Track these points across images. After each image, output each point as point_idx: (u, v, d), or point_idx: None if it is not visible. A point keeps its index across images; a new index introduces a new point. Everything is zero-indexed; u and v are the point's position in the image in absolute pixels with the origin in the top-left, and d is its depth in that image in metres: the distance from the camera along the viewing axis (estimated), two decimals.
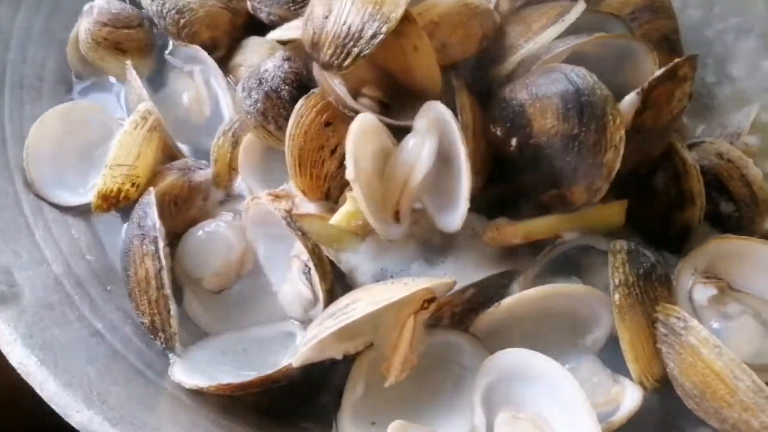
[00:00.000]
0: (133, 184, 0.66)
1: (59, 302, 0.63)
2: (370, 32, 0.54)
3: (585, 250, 0.61)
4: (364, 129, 0.56)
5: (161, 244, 0.59)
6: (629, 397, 0.56)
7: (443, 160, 0.58)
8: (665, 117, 0.57)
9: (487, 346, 0.59)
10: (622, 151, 0.53)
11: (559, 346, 0.59)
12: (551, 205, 0.59)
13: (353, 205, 0.61)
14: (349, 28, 0.55)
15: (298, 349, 0.55)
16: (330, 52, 0.56)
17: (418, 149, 0.58)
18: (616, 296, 0.55)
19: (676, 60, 0.56)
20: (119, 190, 0.65)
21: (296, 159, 0.61)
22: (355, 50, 0.55)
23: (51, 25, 0.79)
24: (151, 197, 0.62)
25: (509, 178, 0.61)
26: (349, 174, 0.54)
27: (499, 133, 0.59)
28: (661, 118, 0.57)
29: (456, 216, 0.57)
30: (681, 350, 0.53)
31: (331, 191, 0.64)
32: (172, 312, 0.58)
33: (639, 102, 0.54)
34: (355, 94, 0.60)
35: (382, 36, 0.54)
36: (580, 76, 0.54)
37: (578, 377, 0.55)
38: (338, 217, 0.62)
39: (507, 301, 0.58)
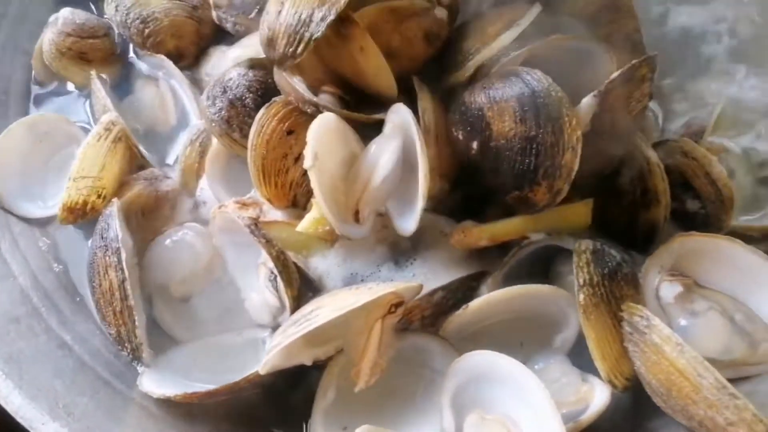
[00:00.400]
0: (99, 195, 0.66)
1: (26, 315, 0.63)
2: (320, 15, 0.55)
3: (553, 250, 0.61)
4: (327, 124, 0.57)
5: (123, 255, 0.58)
6: (598, 396, 0.56)
7: (409, 165, 0.59)
8: (624, 118, 0.58)
9: (457, 347, 0.59)
10: (579, 151, 0.54)
11: (528, 346, 0.60)
12: (516, 206, 0.60)
13: (320, 210, 0.61)
14: (300, 16, 0.56)
15: (265, 356, 0.55)
16: (284, 42, 0.57)
17: (381, 152, 0.58)
18: (581, 296, 0.55)
19: (633, 62, 0.57)
20: (85, 202, 0.65)
21: (259, 169, 0.61)
22: (307, 35, 0.56)
23: (16, 37, 0.78)
24: (113, 209, 0.62)
25: (474, 181, 0.61)
26: (306, 162, 0.55)
27: (460, 137, 0.59)
28: (620, 119, 0.58)
29: (412, 219, 0.57)
30: (646, 348, 0.54)
31: (297, 199, 0.64)
32: (137, 322, 0.58)
33: (596, 104, 0.55)
34: (315, 93, 0.60)
35: (331, 17, 0.54)
36: (536, 78, 0.55)
37: (547, 377, 0.56)
38: (305, 224, 0.62)
39: (475, 303, 0.58)
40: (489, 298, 0.58)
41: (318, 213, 0.61)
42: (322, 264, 0.64)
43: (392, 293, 0.55)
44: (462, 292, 0.60)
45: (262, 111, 0.61)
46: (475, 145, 0.57)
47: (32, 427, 0.55)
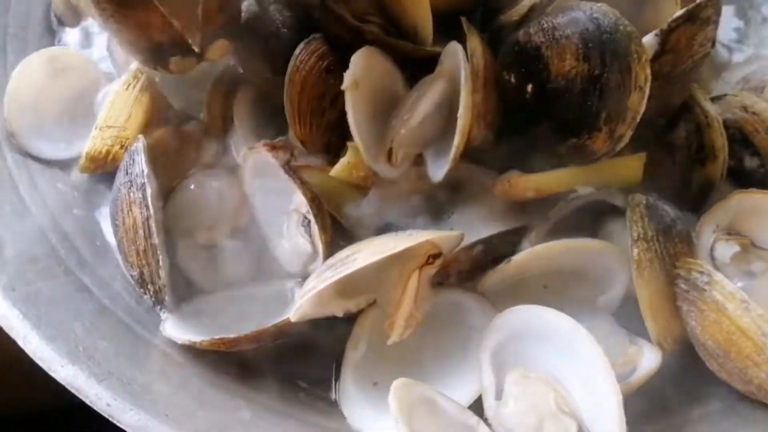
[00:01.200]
0: (122, 146, 0.63)
1: (44, 256, 0.60)
2: None
3: (601, 207, 0.58)
4: (372, 55, 0.55)
5: (149, 191, 0.56)
6: (647, 358, 0.53)
7: (454, 111, 0.55)
8: (685, 62, 0.54)
9: (495, 304, 0.57)
10: (647, 92, 0.50)
11: (572, 305, 0.56)
12: (570, 156, 0.56)
13: (355, 155, 0.59)
14: None
15: (297, 302, 0.52)
16: None
17: (423, 93, 0.55)
18: (635, 251, 0.52)
19: (699, 1, 0.53)
20: (108, 152, 0.63)
21: (295, 107, 0.58)
22: None
23: None
24: (139, 144, 0.59)
25: (524, 129, 0.58)
26: (345, 83, 0.52)
27: (513, 80, 0.56)
28: (680, 63, 0.54)
29: (444, 165, 0.55)
30: (704, 307, 0.50)
31: (331, 143, 0.61)
32: (160, 262, 0.55)
33: (657, 44, 0.52)
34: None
35: None
36: (601, 12, 0.51)
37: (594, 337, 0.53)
38: (339, 168, 0.59)
39: (518, 257, 0.55)
40: (534, 252, 0.55)
41: (353, 157, 0.58)
42: (355, 212, 0.62)
43: (430, 242, 0.53)
44: (503, 246, 0.58)
45: (300, 46, 0.58)
46: (529, 87, 0.54)
47: (50, 369, 0.52)
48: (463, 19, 0.58)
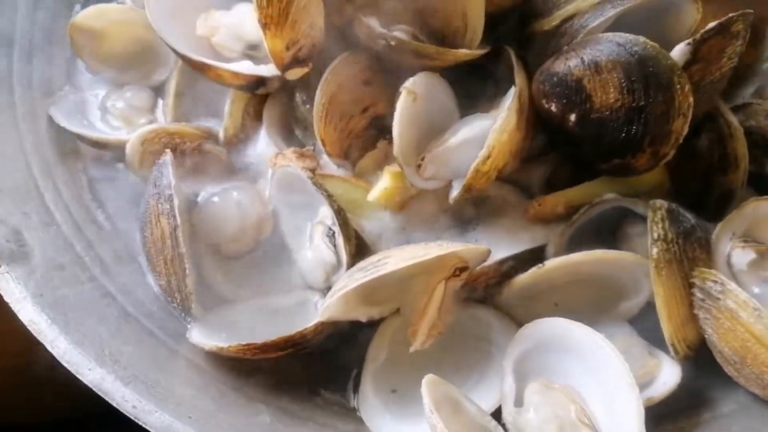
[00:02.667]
0: None
1: (70, 263, 0.62)
2: None
3: (623, 213, 0.61)
4: (434, 75, 0.58)
5: (176, 201, 0.58)
6: (667, 372, 0.55)
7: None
8: (713, 74, 0.57)
9: (518, 309, 0.59)
10: (690, 117, 0.53)
11: (593, 313, 0.59)
12: (613, 172, 0.59)
13: (394, 181, 0.61)
14: None
15: (326, 301, 0.54)
16: None
17: (471, 121, 0.59)
18: (654, 250, 0.54)
19: (731, 14, 0.56)
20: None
21: (324, 105, 0.61)
22: None
23: None
24: (167, 158, 0.61)
25: (565, 150, 0.61)
26: (407, 84, 0.55)
27: (554, 109, 0.58)
28: (709, 74, 0.57)
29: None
30: (719, 315, 0.53)
31: (351, 150, 0.63)
32: (187, 270, 0.57)
33: (689, 53, 0.54)
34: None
35: None
36: (640, 45, 0.53)
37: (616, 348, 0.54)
38: (376, 194, 0.61)
39: (551, 263, 0.57)
40: (567, 260, 0.57)
41: (392, 182, 0.61)
42: (377, 227, 0.64)
43: (457, 254, 0.55)
44: (532, 262, 0.59)
45: (343, 54, 0.61)
46: (573, 117, 0.56)
47: (78, 372, 0.54)
48: (510, 50, 0.61)
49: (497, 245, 0.60)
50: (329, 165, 0.64)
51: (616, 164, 0.57)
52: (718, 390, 0.56)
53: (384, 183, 0.61)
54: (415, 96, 0.57)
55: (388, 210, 0.64)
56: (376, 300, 0.57)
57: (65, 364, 0.54)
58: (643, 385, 0.54)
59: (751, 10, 0.57)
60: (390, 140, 0.62)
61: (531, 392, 0.54)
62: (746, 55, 0.61)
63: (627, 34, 0.54)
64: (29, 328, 0.56)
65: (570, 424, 0.51)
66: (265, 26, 0.58)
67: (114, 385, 0.53)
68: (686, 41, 0.55)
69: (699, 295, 0.54)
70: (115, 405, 0.53)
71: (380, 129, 0.64)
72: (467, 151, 0.58)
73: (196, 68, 0.67)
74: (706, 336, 0.55)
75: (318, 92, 0.61)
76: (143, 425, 0.52)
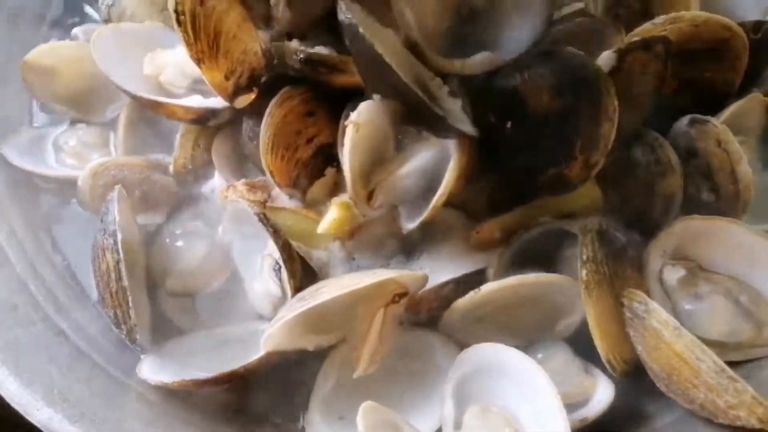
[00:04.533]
0: None
1: (23, 303, 0.65)
2: None
3: (562, 236, 0.63)
4: (376, 109, 0.60)
5: (119, 237, 0.61)
6: (602, 391, 0.58)
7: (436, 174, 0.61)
8: (639, 86, 0.61)
9: (461, 333, 0.61)
10: (616, 122, 0.57)
11: (534, 332, 0.62)
12: (548, 188, 0.62)
13: (342, 212, 0.63)
14: None
15: (266, 332, 0.57)
16: None
17: (417, 151, 0.62)
18: (584, 272, 0.57)
19: (652, 35, 0.61)
20: None
21: (270, 138, 0.63)
22: None
23: None
24: (115, 194, 0.64)
25: (503, 165, 0.63)
26: (351, 118, 0.58)
27: (492, 119, 0.61)
28: (634, 85, 0.61)
29: (417, 219, 0.61)
30: (645, 333, 0.55)
31: (299, 179, 0.66)
32: (130, 303, 0.60)
33: (614, 60, 0.59)
34: None
35: None
36: (571, 53, 0.58)
37: (550, 368, 0.57)
38: (326, 225, 0.64)
39: (487, 287, 0.59)
40: (503, 283, 0.59)
41: (340, 213, 0.63)
42: (325, 256, 0.66)
43: (394, 281, 0.58)
44: (472, 285, 0.61)
45: (287, 87, 0.64)
46: (509, 124, 0.59)
47: (27, 413, 0.56)
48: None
49: (440, 269, 0.63)
50: (281, 196, 0.66)
51: (552, 176, 0.60)
52: (654, 404, 0.59)
53: (333, 214, 0.64)
54: (358, 127, 0.59)
55: (337, 239, 0.66)
56: (321, 328, 0.59)
57: (15, 406, 0.56)
58: (577, 405, 0.57)
59: (670, 38, 0.61)
60: (336, 167, 0.66)
61: (470, 416, 0.56)
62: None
63: (556, 46, 0.59)
64: None
65: None
66: (199, 61, 0.61)
67: (61, 425, 0.55)
68: (612, 49, 0.59)
69: (628, 314, 0.57)
70: None
71: (326, 157, 0.67)
72: (414, 180, 0.62)
73: (148, 107, 0.70)
74: (638, 352, 0.57)
75: (263, 127, 0.64)
76: None
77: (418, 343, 0.63)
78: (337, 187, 0.67)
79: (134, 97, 0.70)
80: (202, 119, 0.70)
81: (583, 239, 0.58)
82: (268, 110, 0.64)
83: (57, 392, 0.58)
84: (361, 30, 0.54)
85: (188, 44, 0.60)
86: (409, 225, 0.63)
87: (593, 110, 0.57)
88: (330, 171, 0.67)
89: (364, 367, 0.58)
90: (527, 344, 0.60)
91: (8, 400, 0.57)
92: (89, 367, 0.62)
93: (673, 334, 0.53)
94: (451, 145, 0.59)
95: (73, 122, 0.78)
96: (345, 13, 0.55)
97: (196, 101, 0.69)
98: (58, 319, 0.65)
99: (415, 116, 0.60)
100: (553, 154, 0.59)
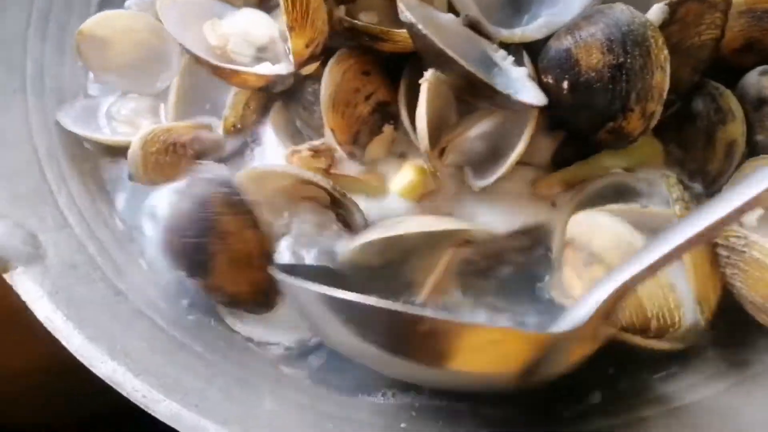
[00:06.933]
0: None
1: (83, 263, 0.68)
2: None
3: (621, 191, 0.65)
4: (439, 79, 0.64)
5: None
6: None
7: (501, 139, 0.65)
8: (693, 38, 0.63)
9: None
10: (668, 70, 0.59)
11: None
12: (609, 143, 0.64)
13: (418, 176, 0.66)
14: None
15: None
16: None
17: (485, 115, 0.65)
18: (677, 207, 0.59)
19: None
20: None
21: (331, 95, 0.66)
22: None
23: None
24: None
25: (564, 125, 0.66)
26: (427, 75, 0.62)
27: (551, 80, 0.64)
28: (688, 37, 0.62)
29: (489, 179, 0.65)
30: (746, 267, 0.57)
31: (360, 136, 0.69)
32: None
33: (665, 13, 0.60)
34: None
35: None
36: (619, 9, 0.60)
37: None
38: (400, 186, 0.67)
39: None
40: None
41: (414, 177, 0.67)
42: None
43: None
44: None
45: (343, 48, 0.68)
46: (565, 84, 0.62)
47: (92, 365, 0.60)
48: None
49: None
50: (344, 161, 0.69)
51: (611, 129, 0.62)
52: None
53: (408, 176, 0.67)
54: (432, 85, 0.63)
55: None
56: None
57: (79, 358, 0.60)
58: None
59: None
60: (394, 125, 0.69)
61: None
62: None
63: (603, 5, 0.62)
64: (45, 324, 0.61)
65: None
66: (291, 29, 0.65)
67: (125, 377, 0.59)
68: (664, 2, 0.61)
69: (724, 253, 0.58)
70: (125, 395, 0.58)
71: (384, 114, 0.70)
72: (481, 143, 0.66)
73: (219, 75, 0.72)
74: (734, 291, 0.59)
75: (323, 85, 0.67)
76: (152, 413, 0.57)
77: None
78: (393, 146, 0.71)
79: (214, 67, 0.71)
80: (271, 85, 0.72)
81: (668, 180, 0.61)
82: (327, 68, 0.67)
83: (120, 347, 0.61)
84: (421, 28, 0.59)
85: (287, 11, 0.64)
86: (482, 183, 0.66)
87: (644, 61, 0.59)
88: (388, 128, 0.70)
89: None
90: None
91: (73, 352, 0.60)
92: (148, 327, 0.65)
93: None
94: (522, 112, 0.63)
95: (124, 93, 0.81)
96: (405, 14, 0.60)
97: (267, 68, 0.71)
98: (116, 281, 0.69)
99: (481, 96, 0.64)
100: (609, 109, 0.61)
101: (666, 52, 0.59)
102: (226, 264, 0.62)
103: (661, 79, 0.59)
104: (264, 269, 0.61)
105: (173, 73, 0.79)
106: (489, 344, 0.50)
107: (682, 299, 0.57)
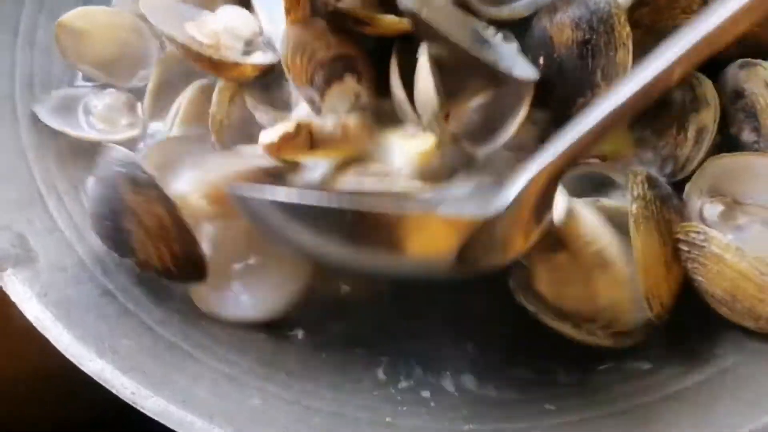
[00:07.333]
0: None
1: (72, 265, 0.70)
2: None
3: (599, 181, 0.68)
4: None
5: None
6: None
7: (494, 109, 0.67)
8: (665, 20, 0.66)
9: None
10: (630, 47, 0.63)
11: None
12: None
13: (429, 144, 0.66)
14: None
15: None
16: None
17: (476, 91, 0.67)
18: (634, 206, 0.60)
19: None
20: None
21: (290, 45, 0.68)
22: None
23: None
24: None
25: (543, 101, 0.67)
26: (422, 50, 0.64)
27: (530, 57, 0.68)
28: (660, 18, 0.66)
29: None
30: (706, 261, 0.59)
31: (315, 77, 0.69)
32: None
33: None
34: None
35: None
36: None
37: None
38: (418, 158, 0.65)
39: None
40: None
41: (427, 146, 0.66)
42: None
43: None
44: None
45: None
46: (541, 60, 0.67)
47: (81, 363, 0.61)
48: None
49: None
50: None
51: (580, 105, 0.64)
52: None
53: (421, 144, 0.66)
54: (429, 57, 0.64)
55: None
56: None
57: (69, 357, 0.61)
58: None
59: None
60: (358, 78, 0.70)
61: None
62: None
63: None
64: (35, 324, 0.63)
65: None
66: (288, 12, 0.68)
67: (113, 374, 0.60)
68: None
69: (685, 248, 0.60)
70: (115, 392, 0.60)
71: (346, 65, 0.70)
72: (479, 114, 0.68)
73: (215, 69, 0.74)
74: (696, 284, 0.61)
75: (283, 39, 0.69)
76: (141, 409, 0.59)
77: None
78: (357, 101, 0.70)
79: (212, 62, 0.72)
80: (265, 73, 0.74)
81: (633, 178, 0.62)
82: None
83: (108, 346, 0.62)
84: (423, 16, 0.64)
85: None
86: (485, 150, 0.67)
87: (608, 38, 0.63)
88: (349, 78, 0.70)
89: None
90: None
91: (63, 351, 0.62)
92: (136, 326, 0.67)
93: (736, 255, 0.57)
94: (514, 87, 0.66)
95: (101, 86, 0.83)
96: (404, 3, 0.64)
97: (261, 58, 0.74)
98: (105, 281, 0.70)
99: (476, 73, 0.67)
100: (579, 82, 0.65)
101: (628, 29, 0.62)
102: (144, 240, 0.64)
103: (624, 56, 0.62)
104: (182, 241, 0.63)
105: (149, 71, 0.80)
106: (417, 230, 0.54)
107: (634, 295, 0.60)
